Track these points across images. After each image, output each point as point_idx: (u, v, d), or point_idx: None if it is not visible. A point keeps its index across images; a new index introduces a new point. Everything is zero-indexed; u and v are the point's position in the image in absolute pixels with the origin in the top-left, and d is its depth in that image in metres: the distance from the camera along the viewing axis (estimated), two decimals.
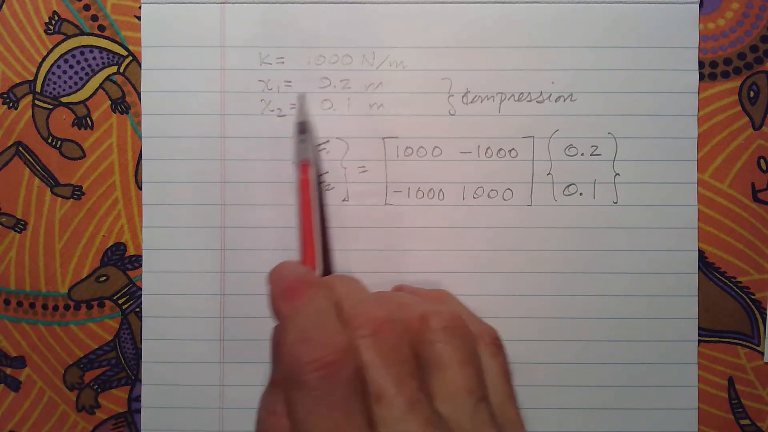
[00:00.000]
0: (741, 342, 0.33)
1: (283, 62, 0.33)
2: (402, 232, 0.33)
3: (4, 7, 0.33)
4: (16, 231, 0.33)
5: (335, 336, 0.21)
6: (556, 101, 0.33)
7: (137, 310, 0.33)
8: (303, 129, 0.31)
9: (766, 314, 0.33)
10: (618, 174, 0.33)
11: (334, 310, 0.23)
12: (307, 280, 0.24)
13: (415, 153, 0.33)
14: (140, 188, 0.33)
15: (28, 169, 0.33)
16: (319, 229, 0.29)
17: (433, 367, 0.22)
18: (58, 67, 0.33)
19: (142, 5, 0.33)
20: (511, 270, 0.33)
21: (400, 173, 0.33)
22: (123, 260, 0.33)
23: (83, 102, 0.33)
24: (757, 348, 0.33)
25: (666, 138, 0.33)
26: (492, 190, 0.33)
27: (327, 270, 0.32)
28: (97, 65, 0.33)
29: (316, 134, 0.33)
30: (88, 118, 0.33)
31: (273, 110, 0.33)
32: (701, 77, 0.33)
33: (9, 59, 0.33)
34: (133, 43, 0.33)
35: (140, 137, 0.33)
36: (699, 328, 0.33)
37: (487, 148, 0.33)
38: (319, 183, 0.32)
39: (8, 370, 0.34)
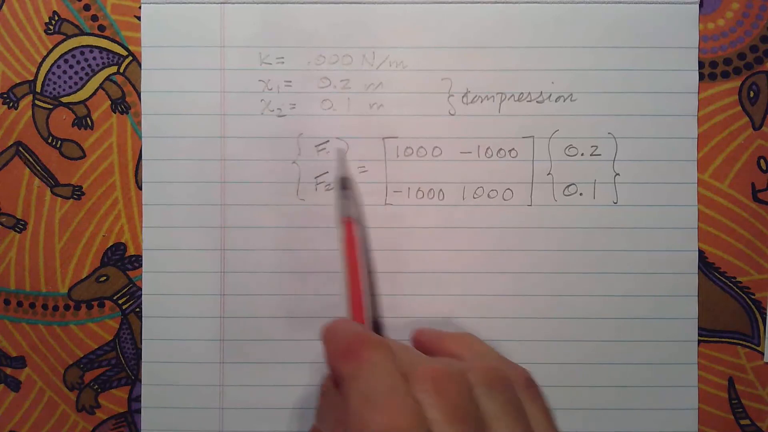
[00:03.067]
0: (741, 342, 0.33)
1: (283, 62, 0.33)
2: (402, 232, 0.33)
3: (4, 7, 0.33)
4: (16, 231, 0.33)
5: (403, 399, 0.21)
6: (556, 101, 0.33)
7: (137, 310, 0.33)
8: (345, 185, 0.31)
9: (766, 314, 0.33)
10: (618, 174, 0.33)
11: (396, 370, 0.22)
12: (366, 339, 0.23)
13: (415, 153, 0.33)
14: (140, 188, 0.33)
15: (28, 169, 0.33)
16: (368, 287, 0.28)
17: (485, 422, 0.22)
18: (58, 67, 0.33)
19: (142, 5, 0.33)
20: (511, 270, 0.33)
21: (400, 173, 0.33)
22: (123, 260, 0.33)
23: (83, 102, 0.33)
24: (757, 348, 0.33)
25: (666, 138, 0.33)
26: (492, 190, 0.33)
27: (375, 327, 0.32)
28: (97, 65, 0.33)
29: (358, 190, 0.33)
30: (88, 118, 0.33)
31: (273, 110, 0.33)
32: (701, 77, 0.33)
33: (9, 59, 0.33)
34: (133, 43, 0.33)
35: (140, 137, 0.33)
36: (699, 328, 0.33)
37: (487, 148, 0.33)
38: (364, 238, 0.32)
39: (8, 370, 0.34)
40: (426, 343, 0.28)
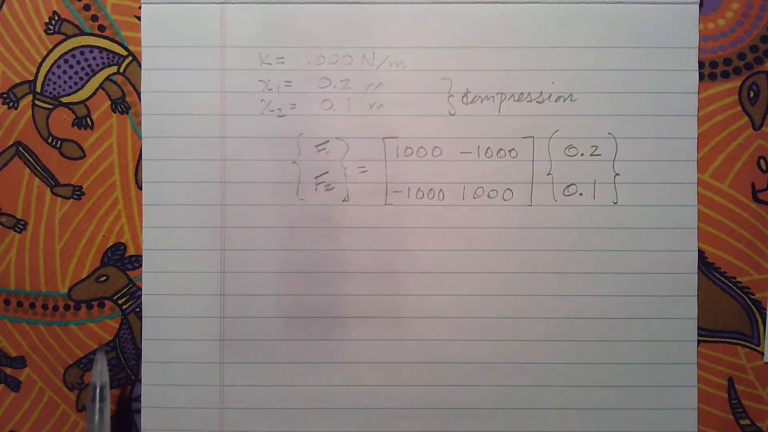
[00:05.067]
0: (741, 342, 0.33)
1: (283, 62, 0.33)
2: (402, 232, 0.33)
3: (4, 7, 0.33)
4: (16, 231, 0.33)
5: None
6: (556, 101, 0.33)
7: (137, 310, 0.33)
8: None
9: (766, 314, 0.33)
10: (618, 174, 0.33)
11: None
12: None
13: (415, 153, 0.33)
14: (140, 188, 0.33)
15: (28, 169, 0.33)
16: None
17: None
18: (58, 67, 0.33)
19: (142, 5, 0.33)
20: (511, 270, 0.33)
21: (400, 173, 0.33)
22: (123, 260, 0.33)
23: (83, 102, 0.33)
24: (757, 348, 0.33)
25: (666, 138, 0.33)
26: (492, 190, 0.33)
27: None
28: (97, 65, 0.33)
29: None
30: (88, 118, 0.33)
31: (273, 110, 0.33)
32: (701, 77, 0.33)
33: (9, 59, 0.33)
34: (133, 43, 0.33)
35: (140, 137, 0.33)
36: (699, 328, 0.33)
37: (487, 148, 0.33)
38: None
39: (8, 370, 0.34)
40: None
